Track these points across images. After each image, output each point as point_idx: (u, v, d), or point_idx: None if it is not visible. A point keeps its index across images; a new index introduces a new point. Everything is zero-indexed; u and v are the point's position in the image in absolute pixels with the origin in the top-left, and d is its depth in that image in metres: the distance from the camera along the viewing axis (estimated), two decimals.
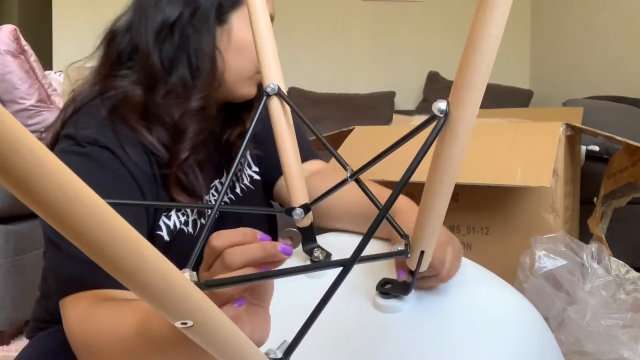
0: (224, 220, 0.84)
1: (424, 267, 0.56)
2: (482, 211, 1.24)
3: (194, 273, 0.45)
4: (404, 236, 0.57)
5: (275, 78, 0.67)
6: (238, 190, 0.88)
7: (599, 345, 0.88)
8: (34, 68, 1.83)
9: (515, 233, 1.20)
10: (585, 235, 1.37)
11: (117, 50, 0.77)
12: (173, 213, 0.76)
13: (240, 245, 0.44)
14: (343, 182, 0.60)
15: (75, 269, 0.63)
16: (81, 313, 0.61)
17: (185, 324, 0.31)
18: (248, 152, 0.92)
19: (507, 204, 1.21)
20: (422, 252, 0.52)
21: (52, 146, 0.72)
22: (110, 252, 0.25)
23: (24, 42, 1.81)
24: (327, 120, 2.68)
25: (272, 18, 0.79)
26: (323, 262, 0.69)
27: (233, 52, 0.78)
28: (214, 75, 0.77)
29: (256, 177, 0.92)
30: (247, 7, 0.67)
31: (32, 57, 1.83)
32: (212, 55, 0.76)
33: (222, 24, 0.78)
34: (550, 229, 1.16)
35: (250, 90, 0.82)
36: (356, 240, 0.66)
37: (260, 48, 0.67)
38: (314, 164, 0.93)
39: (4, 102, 1.81)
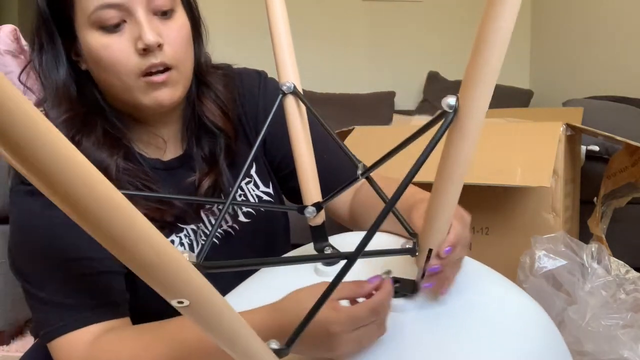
0: (237, 238, 0.81)
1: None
2: (482, 211, 1.24)
3: (192, 254, 0.45)
4: (412, 235, 0.56)
5: (291, 77, 0.67)
6: (242, 217, 0.82)
7: (599, 345, 0.88)
8: None
9: (515, 233, 1.20)
10: (585, 235, 1.37)
11: None
12: None
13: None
14: (354, 180, 0.60)
15: (51, 313, 0.65)
16: (82, 352, 0.63)
17: (182, 302, 0.31)
18: (254, 169, 0.83)
19: (507, 204, 1.21)
20: (431, 251, 0.52)
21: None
22: (100, 220, 0.25)
23: (24, 42, 1.81)
24: (327, 120, 2.66)
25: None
26: (327, 254, 0.68)
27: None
28: None
29: (266, 198, 0.84)
30: (266, 5, 0.66)
31: None
32: None
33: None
34: (550, 229, 1.16)
35: (142, 99, 0.69)
36: (376, 239, 0.66)
37: (277, 47, 0.66)
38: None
39: None
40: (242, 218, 0.82)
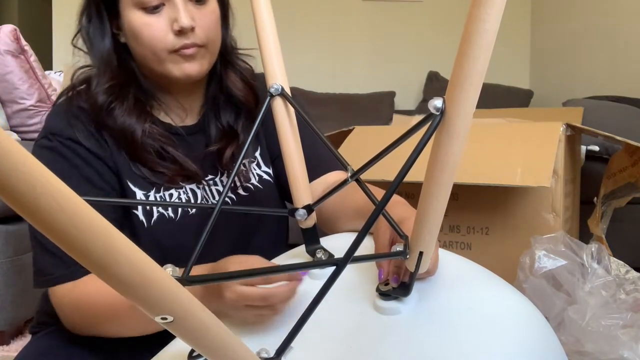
0: (230, 219, 0.83)
1: (423, 269, 0.55)
2: (482, 211, 1.24)
3: (176, 268, 0.46)
4: (403, 237, 0.56)
5: (279, 79, 0.66)
6: (241, 190, 0.87)
7: (599, 345, 0.88)
8: (34, 68, 1.83)
9: (515, 233, 1.20)
10: (585, 235, 1.37)
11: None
12: (152, 193, 0.80)
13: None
14: (344, 183, 0.60)
15: (57, 263, 0.72)
16: (76, 294, 0.71)
17: (165, 319, 0.30)
18: (258, 152, 0.91)
19: (507, 204, 1.21)
20: (421, 253, 0.52)
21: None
22: (80, 244, 0.25)
23: (24, 42, 1.81)
24: (327, 120, 2.68)
25: None
26: (315, 261, 0.68)
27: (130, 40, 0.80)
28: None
29: (266, 177, 0.90)
30: (252, 7, 0.67)
31: (32, 57, 1.83)
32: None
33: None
34: (550, 229, 1.16)
35: (173, 70, 0.79)
36: (366, 241, 0.65)
37: (264, 49, 0.67)
38: (336, 175, 0.89)
39: (4, 102, 1.81)
40: (240, 191, 0.88)
